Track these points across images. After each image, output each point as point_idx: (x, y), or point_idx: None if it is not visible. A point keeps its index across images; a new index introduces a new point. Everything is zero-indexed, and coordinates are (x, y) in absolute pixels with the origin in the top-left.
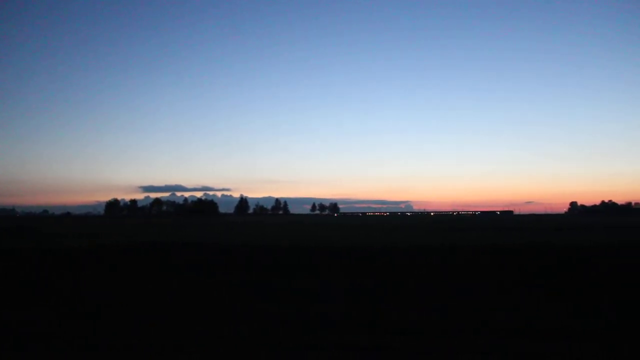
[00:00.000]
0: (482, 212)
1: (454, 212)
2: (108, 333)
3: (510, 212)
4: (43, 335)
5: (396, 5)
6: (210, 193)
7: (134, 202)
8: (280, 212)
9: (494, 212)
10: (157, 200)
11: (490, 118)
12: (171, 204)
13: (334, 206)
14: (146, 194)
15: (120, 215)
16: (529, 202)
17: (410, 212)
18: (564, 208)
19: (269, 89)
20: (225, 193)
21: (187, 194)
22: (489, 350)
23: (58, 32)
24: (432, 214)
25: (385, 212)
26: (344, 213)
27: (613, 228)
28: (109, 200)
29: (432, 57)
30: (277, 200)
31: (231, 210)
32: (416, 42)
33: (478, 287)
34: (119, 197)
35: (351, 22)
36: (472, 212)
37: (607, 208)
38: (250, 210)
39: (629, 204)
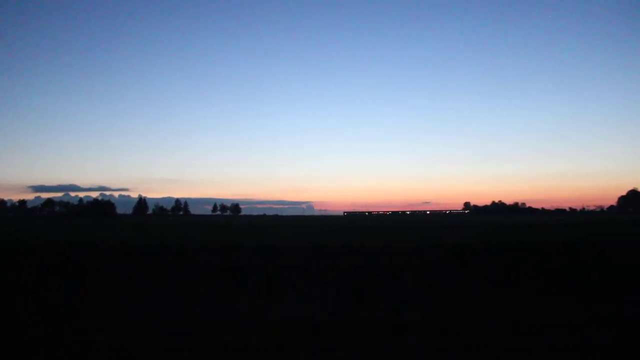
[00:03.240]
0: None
1: (365, 212)
2: None
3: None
4: None
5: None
6: (107, 193)
7: (22, 202)
8: (181, 212)
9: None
10: (49, 200)
11: (389, 121)
12: (65, 204)
13: (235, 207)
14: (37, 194)
15: (6, 217)
16: (427, 202)
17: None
18: (458, 207)
19: (167, 87)
20: (123, 193)
21: (82, 194)
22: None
23: None
24: (344, 213)
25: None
26: (246, 214)
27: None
28: None
29: (331, 58)
30: (178, 201)
31: (129, 211)
32: (319, 41)
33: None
34: (5, 198)
35: (243, 19)
36: (385, 211)
37: (497, 208)
38: (150, 211)
39: (516, 204)
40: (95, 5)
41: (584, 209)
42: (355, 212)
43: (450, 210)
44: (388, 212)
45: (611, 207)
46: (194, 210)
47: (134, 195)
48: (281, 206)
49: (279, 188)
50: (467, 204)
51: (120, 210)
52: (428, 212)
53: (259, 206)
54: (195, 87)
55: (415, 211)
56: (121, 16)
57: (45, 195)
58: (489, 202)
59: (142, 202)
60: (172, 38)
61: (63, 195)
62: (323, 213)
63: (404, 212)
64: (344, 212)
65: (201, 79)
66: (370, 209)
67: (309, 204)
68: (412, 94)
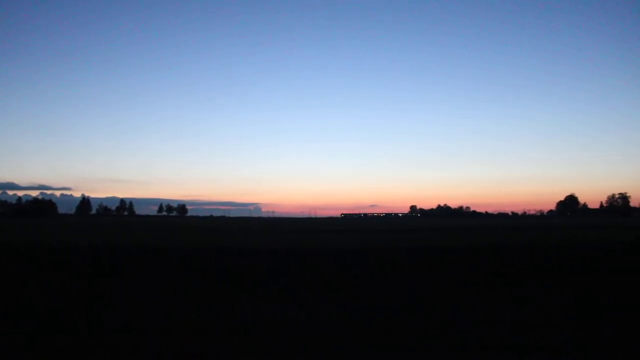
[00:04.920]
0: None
1: (307, 216)
2: None
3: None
4: None
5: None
6: (48, 192)
7: None
8: (125, 212)
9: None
10: None
11: (337, 123)
12: (2, 203)
13: (182, 207)
14: None
15: None
16: (373, 205)
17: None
18: (405, 211)
19: (111, 84)
20: (65, 192)
21: (20, 193)
22: None
23: None
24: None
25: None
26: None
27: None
28: None
29: (280, 59)
30: (122, 201)
31: (72, 210)
32: (267, 40)
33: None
34: None
35: (181, 17)
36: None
37: (443, 211)
38: (94, 211)
39: (461, 208)
40: None
41: (525, 213)
42: (352, 214)
43: (402, 213)
44: (382, 214)
45: (550, 211)
46: (139, 210)
47: (77, 194)
48: (228, 207)
49: (226, 189)
50: (413, 207)
51: (62, 210)
52: (382, 215)
53: (206, 207)
54: (141, 85)
55: (373, 214)
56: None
57: None
58: (434, 206)
59: (85, 201)
60: (105, 37)
61: (0, 194)
62: (270, 215)
63: (395, 214)
64: (342, 214)
65: (147, 76)
66: (318, 212)
67: (256, 206)
68: (359, 98)
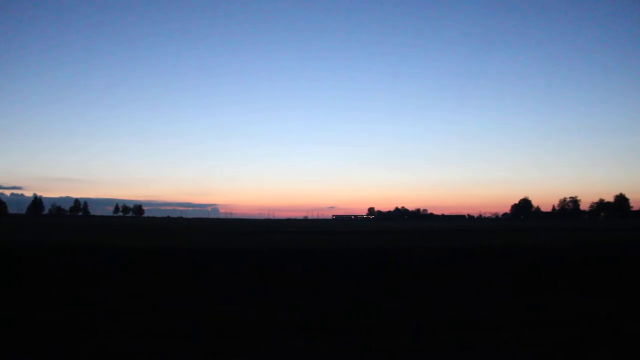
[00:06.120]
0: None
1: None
2: None
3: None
4: None
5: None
6: None
7: None
8: (80, 213)
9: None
10: None
11: (296, 125)
12: None
13: (138, 208)
14: None
15: None
16: (332, 207)
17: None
18: (362, 213)
19: (69, 81)
20: (16, 192)
21: None
22: None
23: None
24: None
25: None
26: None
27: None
28: None
29: (241, 62)
30: (77, 201)
31: (23, 210)
32: (229, 43)
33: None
34: None
35: (147, 17)
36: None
37: (401, 214)
38: (46, 211)
39: (418, 210)
40: None
41: (480, 215)
42: (343, 215)
43: (360, 215)
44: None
45: (505, 214)
46: (94, 211)
47: (29, 194)
48: (186, 208)
49: (183, 190)
50: (371, 210)
51: (12, 210)
52: (353, 217)
53: (163, 208)
54: (98, 84)
55: (353, 215)
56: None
57: None
58: (392, 208)
59: (37, 201)
60: (72, 37)
61: None
62: (228, 216)
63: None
64: (333, 216)
65: (104, 77)
66: (277, 214)
67: (214, 207)
68: (318, 100)
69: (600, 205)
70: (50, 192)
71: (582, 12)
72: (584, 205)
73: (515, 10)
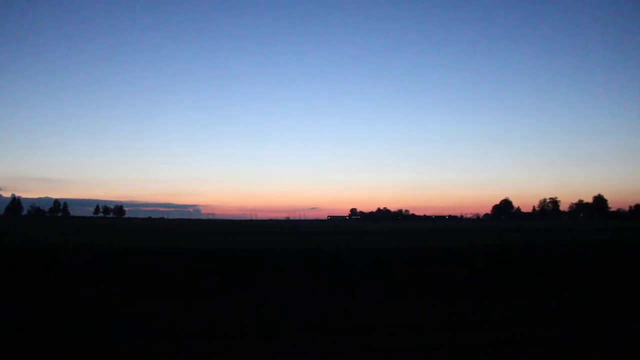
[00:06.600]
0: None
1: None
2: None
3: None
4: None
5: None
6: None
7: None
8: (60, 214)
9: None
10: None
11: (278, 126)
12: None
13: (119, 209)
14: None
15: None
16: (314, 208)
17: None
18: (344, 213)
19: (49, 80)
20: None
21: None
22: None
23: None
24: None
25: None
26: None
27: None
28: None
29: (221, 60)
30: (56, 201)
31: (1, 211)
32: (209, 41)
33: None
34: None
35: (135, 22)
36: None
37: (383, 214)
38: (25, 212)
39: (400, 211)
40: None
41: (462, 216)
42: (338, 216)
43: (347, 216)
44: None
45: (486, 215)
46: (74, 211)
47: (7, 194)
48: (167, 209)
49: (164, 191)
50: (353, 210)
51: None
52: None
53: (144, 209)
54: (77, 84)
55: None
56: None
57: None
58: (374, 209)
59: (15, 201)
60: (35, 33)
61: None
62: (210, 217)
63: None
64: (328, 217)
65: (84, 76)
66: (259, 214)
67: (195, 208)
68: (300, 101)
69: (580, 206)
70: (29, 192)
71: (567, 12)
72: (564, 206)
73: (503, 14)
